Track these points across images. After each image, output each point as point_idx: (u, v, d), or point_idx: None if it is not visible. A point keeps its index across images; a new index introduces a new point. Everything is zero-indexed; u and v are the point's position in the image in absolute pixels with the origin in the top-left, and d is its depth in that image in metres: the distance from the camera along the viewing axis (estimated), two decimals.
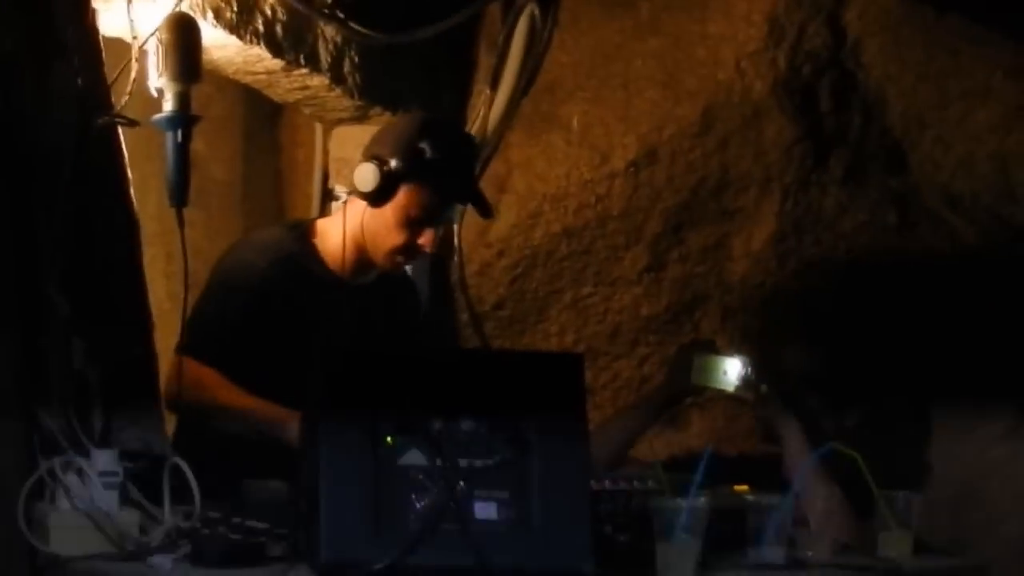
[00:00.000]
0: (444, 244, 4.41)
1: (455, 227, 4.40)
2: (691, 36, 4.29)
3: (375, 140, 3.80)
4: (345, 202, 3.85)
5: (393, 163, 3.70)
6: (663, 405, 4.09)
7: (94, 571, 2.86)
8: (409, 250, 3.78)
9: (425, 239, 3.76)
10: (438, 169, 3.71)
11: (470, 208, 3.95)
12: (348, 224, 3.78)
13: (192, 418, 3.63)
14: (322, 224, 3.89)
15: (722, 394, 4.01)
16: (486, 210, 3.89)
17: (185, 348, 3.54)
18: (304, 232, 3.86)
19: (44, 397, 2.98)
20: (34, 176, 3.04)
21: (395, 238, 3.75)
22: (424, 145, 3.71)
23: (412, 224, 3.74)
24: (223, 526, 3.04)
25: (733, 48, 4.24)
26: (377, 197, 3.72)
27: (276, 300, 3.73)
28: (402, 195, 3.71)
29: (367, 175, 3.71)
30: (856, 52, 4.15)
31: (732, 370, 3.92)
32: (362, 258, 3.81)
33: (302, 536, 2.92)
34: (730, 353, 3.98)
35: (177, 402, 3.50)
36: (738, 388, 3.89)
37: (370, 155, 3.74)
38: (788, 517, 3.20)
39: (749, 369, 3.88)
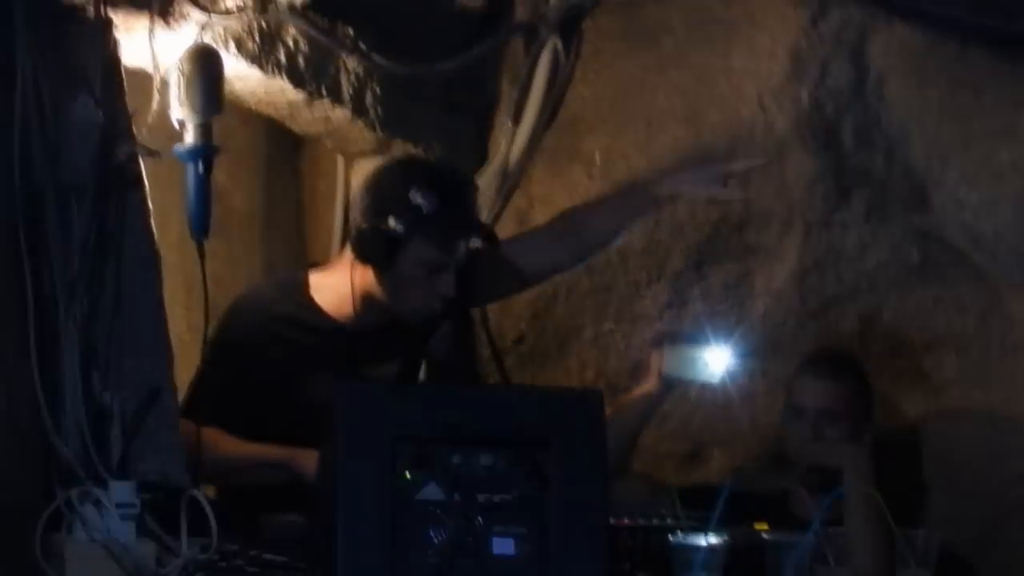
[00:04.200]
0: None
1: None
2: (714, 71, 4.27)
3: (364, 202, 3.71)
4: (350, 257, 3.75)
5: (392, 224, 3.64)
6: (655, 401, 4.06)
7: None
8: (434, 298, 3.74)
9: (445, 285, 3.72)
10: (438, 215, 3.65)
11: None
12: (360, 285, 3.72)
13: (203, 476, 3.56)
14: (318, 279, 3.82)
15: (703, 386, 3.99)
16: (494, 241, 3.85)
17: (186, 412, 3.41)
18: (299, 287, 3.81)
19: (61, 428, 2.98)
20: (53, 207, 3.04)
21: (416, 293, 3.71)
22: (415, 195, 3.64)
23: (429, 275, 3.69)
24: (240, 559, 3.04)
25: (756, 83, 4.22)
26: (387, 264, 3.67)
27: (275, 360, 3.68)
28: (410, 252, 3.66)
29: (371, 245, 3.66)
30: (879, 89, 4.12)
31: (713, 359, 3.90)
32: (376, 307, 3.74)
33: (319, 571, 2.91)
34: (709, 341, 3.96)
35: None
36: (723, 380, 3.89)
37: (365, 221, 3.68)
38: (808, 555, 3.19)
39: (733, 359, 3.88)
